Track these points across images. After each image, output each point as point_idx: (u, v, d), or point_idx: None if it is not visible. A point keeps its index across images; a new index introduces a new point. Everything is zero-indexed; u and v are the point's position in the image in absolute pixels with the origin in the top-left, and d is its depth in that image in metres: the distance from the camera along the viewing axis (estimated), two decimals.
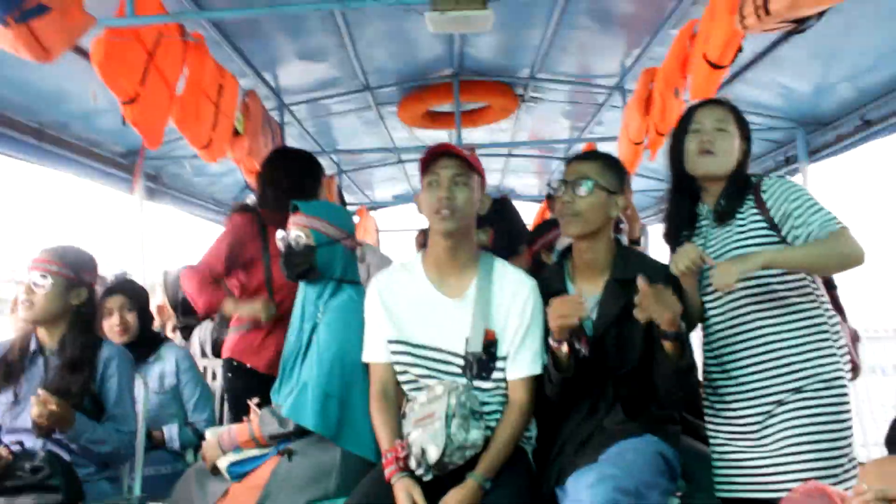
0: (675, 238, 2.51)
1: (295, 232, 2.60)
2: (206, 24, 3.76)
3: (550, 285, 2.37)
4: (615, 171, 2.37)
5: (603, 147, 6.43)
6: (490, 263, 2.35)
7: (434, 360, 2.29)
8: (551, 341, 2.19)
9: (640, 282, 2.11)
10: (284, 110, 5.39)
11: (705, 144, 2.36)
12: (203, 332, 4.05)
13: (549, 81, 5.52)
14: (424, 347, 2.30)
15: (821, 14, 2.52)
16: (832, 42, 3.73)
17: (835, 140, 4.75)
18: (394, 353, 2.34)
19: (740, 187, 2.38)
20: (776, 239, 2.30)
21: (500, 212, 4.53)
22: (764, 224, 2.32)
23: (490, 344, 2.26)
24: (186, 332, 4.22)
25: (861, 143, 4.51)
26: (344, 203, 8.01)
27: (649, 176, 7.20)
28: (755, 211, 2.34)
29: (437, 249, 2.32)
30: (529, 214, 10.69)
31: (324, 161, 7.18)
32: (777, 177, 2.42)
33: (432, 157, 2.27)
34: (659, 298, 2.09)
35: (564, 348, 2.16)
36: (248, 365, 3.19)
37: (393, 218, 9.89)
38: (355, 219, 9.86)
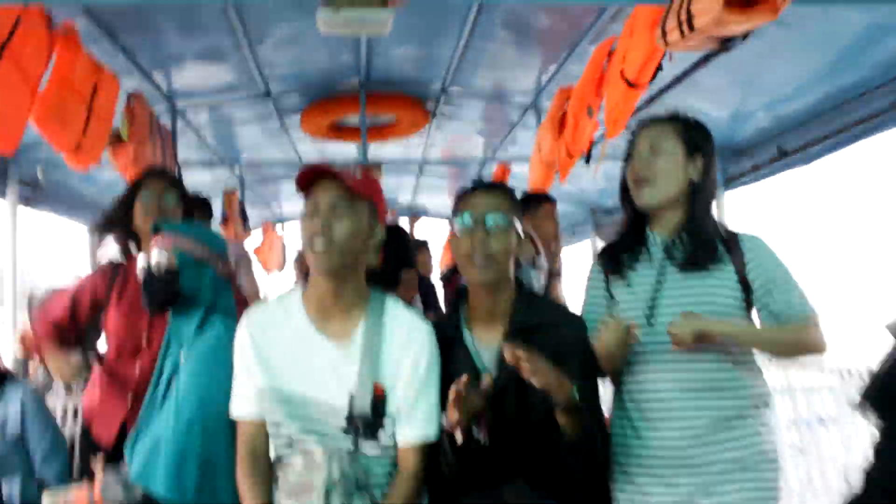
0: (614, 261, 2.25)
1: (156, 254, 2.26)
2: (82, 15, 3.36)
3: (445, 332, 2.06)
4: (516, 203, 2.10)
5: (516, 168, 6.31)
6: (381, 303, 2.02)
7: (312, 417, 1.94)
8: (444, 423, 1.89)
9: (508, 353, 1.80)
10: (177, 115, 4.98)
11: (637, 172, 2.14)
12: None
13: (462, 97, 5.29)
14: (302, 400, 1.95)
15: (745, 35, 2.34)
16: (751, 69, 3.62)
17: (750, 168, 4.65)
18: (265, 405, 1.99)
19: (709, 235, 2.15)
20: (742, 300, 2.12)
21: (390, 233, 4.23)
22: (736, 283, 2.11)
23: (378, 400, 1.93)
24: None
25: (777, 171, 4.42)
26: (245, 218, 7.62)
27: (562, 199, 7.05)
28: (730, 267, 2.12)
29: (319, 287, 1.99)
30: (441, 233, 10.50)
31: (223, 173, 6.86)
32: (754, 236, 2.18)
33: (308, 180, 1.95)
34: (539, 370, 1.80)
35: (459, 436, 1.86)
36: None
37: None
38: (258, 235, 9.48)
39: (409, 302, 4.68)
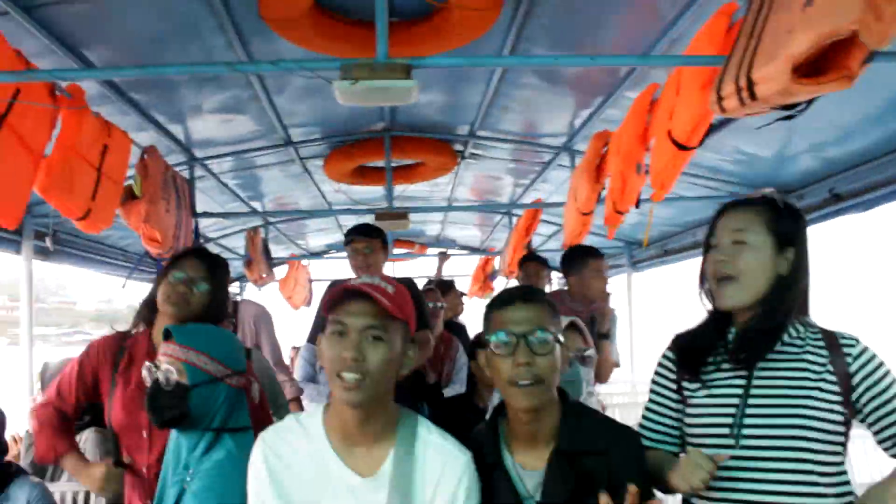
0: (690, 359, 1.93)
1: (165, 366, 2.03)
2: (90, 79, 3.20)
3: (481, 456, 1.81)
4: (556, 310, 1.83)
5: (551, 211, 6.05)
6: (412, 430, 1.76)
7: None
8: None
9: (632, 489, 1.59)
10: (196, 165, 4.80)
11: (721, 268, 1.83)
12: (84, 443, 3.38)
13: (491, 139, 5.06)
14: None
15: (811, 100, 2.08)
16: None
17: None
18: None
19: (777, 324, 1.84)
20: (839, 411, 1.78)
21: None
22: (837, 391, 1.78)
23: None
24: None
25: (831, 217, 4.13)
26: (269, 256, 7.43)
27: (594, 233, 6.81)
28: (828, 370, 1.80)
29: (343, 415, 1.74)
30: (469, 266, 10.27)
31: (242, 210, 6.68)
32: (854, 336, 1.86)
33: (338, 297, 1.70)
34: None
35: None
36: None
37: (327, 267, 9.26)
38: (283, 270, 9.30)
39: (423, 367, 4.44)
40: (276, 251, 8.86)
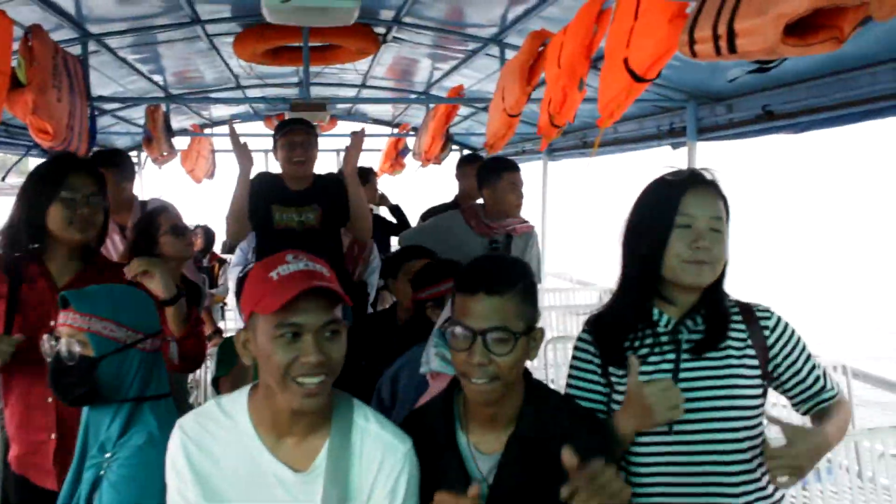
0: (612, 344, 1.86)
1: (66, 338, 1.80)
2: None
3: (434, 437, 1.69)
4: (532, 298, 1.69)
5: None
6: (348, 418, 1.62)
7: None
8: None
9: (567, 458, 1.49)
10: (90, 41, 4.30)
11: (701, 252, 1.75)
12: None
13: (416, 27, 4.73)
14: None
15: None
16: None
17: (728, 123, 4.29)
18: None
19: (727, 311, 1.85)
20: (759, 383, 1.83)
21: (330, 186, 3.81)
22: (756, 364, 1.83)
23: None
24: None
25: (760, 134, 4.07)
26: (171, 132, 6.96)
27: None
28: (749, 344, 1.84)
29: (276, 406, 1.57)
30: (381, 143, 9.96)
31: (144, 85, 6.17)
32: (768, 308, 1.90)
33: (285, 297, 1.48)
34: (599, 485, 1.49)
35: None
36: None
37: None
38: (185, 141, 8.77)
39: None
40: (177, 121, 8.33)
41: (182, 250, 3.38)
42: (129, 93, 6.09)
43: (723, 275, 1.83)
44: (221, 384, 2.77)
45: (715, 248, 1.76)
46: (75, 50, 4.23)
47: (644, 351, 1.81)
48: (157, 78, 6.07)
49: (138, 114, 7.02)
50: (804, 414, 1.94)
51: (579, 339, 1.92)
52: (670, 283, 1.80)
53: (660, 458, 1.80)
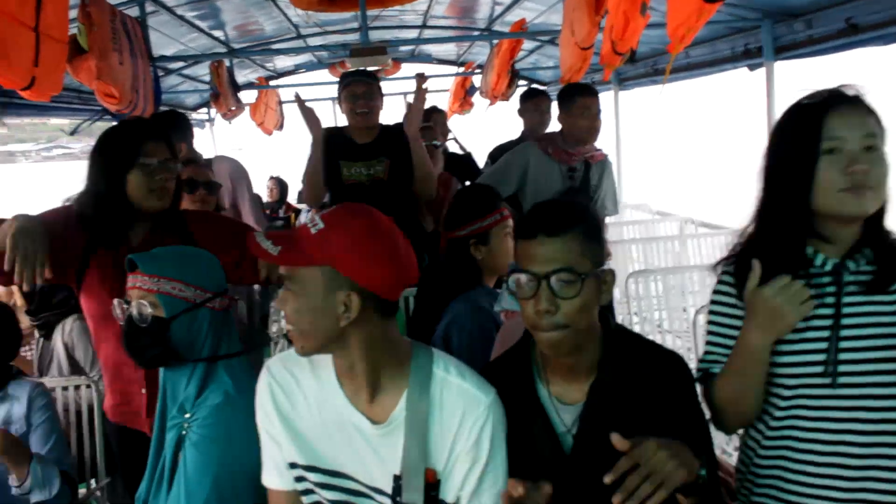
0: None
1: (137, 301, 1.81)
2: None
3: (513, 390, 1.64)
4: (596, 237, 1.59)
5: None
6: (426, 370, 1.57)
7: (355, 491, 1.60)
8: None
9: (617, 441, 1.39)
10: (147, 1, 4.31)
11: (860, 178, 1.54)
12: (68, 334, 3.20)
13: None
14: (343, 481, 1.59)
15: None
16: None
17: (807, 40, 4.04)
18: (298, 479, 1.62)
19: (891, 246, 1.63)
20: None
21: (397, 137, 3.73)
22: None
23: (431, 487, 1.54)
24: (44, 329, 3.31)
25: (843, 49, 3.81)
26: (236, 87, 6.99)
27: None
28: None
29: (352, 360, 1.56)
30: (445, 83, 9.82)
31: (206, 42, 6.18)
32: None
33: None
34: (654, 460, 1.37)
35: None
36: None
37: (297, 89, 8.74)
38: (253, 94, 8.82)
39: (421, 214, 4.21)
40: (242, 75, 8.37)
41: (187, 206, 3.07)
42: (190, 51, 6.11)
43: (884, 204, 1.60)
44: None
45: (875, 169, 1.54)
46: (133, 12, 4.24)
47: None
48: (217, 33, 6.07)
49: (203, 71, 7.06)
50: None
51: (720, 281, 1.74)
52: (827, 216, 1.59)
53: (822, 413, 1.60)
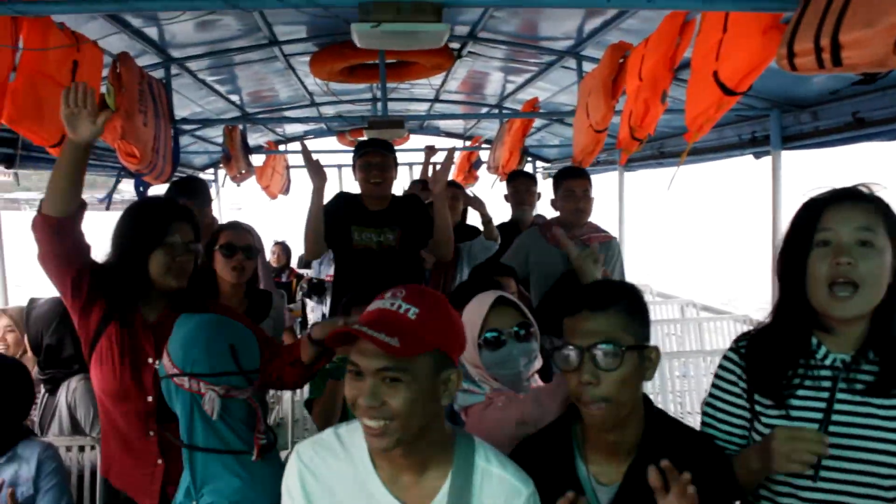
0: (767, 378, 1.69)
1: (210, 401, 1.85)
2: None
3: (553, 469, 1.64)
4: (639, 312, 1.63)
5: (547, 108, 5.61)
6: (469, 458, 1.57)
7: None
8: None
9: (654, 479, 1.46)
10: (172, 65, 4.41)
11: (844, 271, 1.54)
12: (72, 393, 3.18)
13: (491, 41, 4.70)
14: None
15: None
16: None
17: (814, 131, 4.13)
18: None
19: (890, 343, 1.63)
20: None
21: (409, 205, 3.81)
22: None
23: None
24: (50, 384, 3.29)
25: (849, 142, 3.89)
26: (248, 151, 7.09)
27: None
28: None
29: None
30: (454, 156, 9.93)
31: (222, 105, 6.29)
32: None
33: (345, 336, 1.47)
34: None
35: None
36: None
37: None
38: (260, 158, 8.91)
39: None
40: (252, 139, 8.48)
41: (226, 271, 3.23)
42: (206, 113, 6.22)
43: (893, 301, 1.59)
44: (315, 405, 2.77)
45: (863, 265, 1.53)
46: (158, 73, 4.34)
47: (795, 381, 1.65)
48: (233, 98, 6.18)
49: (215, 132, 7.17)
50: None
51: (726, 357, 1.79)
52: (820, 312, 1.61)
53: None
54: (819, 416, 1.62)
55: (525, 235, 4.22)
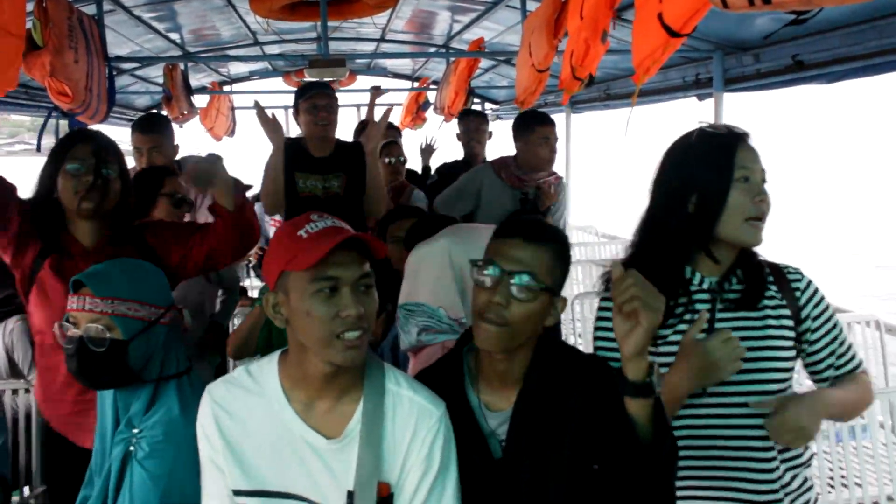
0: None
1: (91, 325, 1.76)
2: None
3: (444, 396, 1.65)
4: (564, 262, 1.65)
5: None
6: (380, 383, 1.59)
7: None
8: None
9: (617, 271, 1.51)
10: (104, 0, 4.24)
11: (763, 208, 1.71)
12: (9, 335, 3.11)
13: None
14: (292, 497, 1.56)
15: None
16: None
17: (756, 73, 4.17)
18: None
19: (761, 270, 1.80)
20: (792, 345, 1.78)
21: (353, 152, 3.75)
22: (791, 325, 1.78)
23: (385, 501, 1.55)
24: None
25: (790, 84, 3.95)
26: (190, 90, 6.91)
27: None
28: (781, 302, 1.79)
29: (308, 370, 1.55)
30: (399, 97, 9.84)
31: (161, 44, 6.11)
32: (799, 270, 1.85)
33: (322, 250, 1.45)
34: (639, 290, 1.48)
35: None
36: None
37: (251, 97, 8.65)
38: (204, 99, 8.71)
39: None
40: (195, 79, 8.27)
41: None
42: (145, 52, 6.04)
43: None
44: (231, 337, 2.80)
45: (769, 203, 1.71)
46: (90, 9, 4.18)
47: (679, 310, 1.76)
48: (173, 36, 6.01)
49: (156, 73, 6.97)
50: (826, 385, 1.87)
51: (604, 298, 1.85)
52: (723, 241, 1.73)
53: (693, 421, 1.75)
54: (703, 335, 1.71)
55: (479, 170, 4.19)
